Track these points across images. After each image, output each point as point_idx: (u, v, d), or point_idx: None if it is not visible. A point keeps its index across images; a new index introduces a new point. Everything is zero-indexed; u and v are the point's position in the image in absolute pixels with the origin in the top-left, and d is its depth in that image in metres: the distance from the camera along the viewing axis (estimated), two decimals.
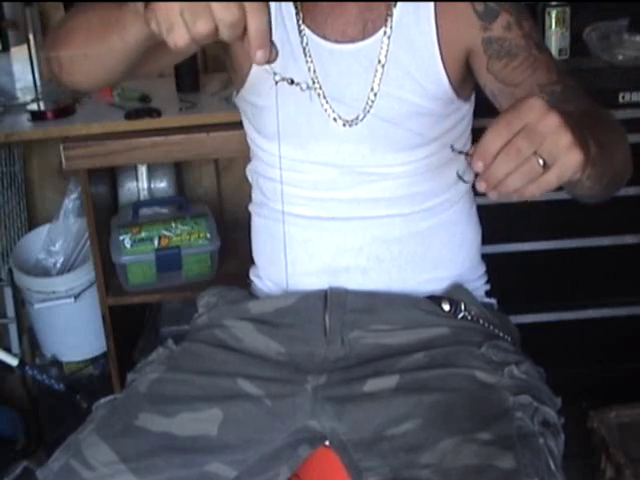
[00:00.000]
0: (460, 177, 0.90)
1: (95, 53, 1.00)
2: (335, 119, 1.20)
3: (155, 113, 1.89)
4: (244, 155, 1.90)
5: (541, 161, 0.81)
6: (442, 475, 1.02)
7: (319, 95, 1.19)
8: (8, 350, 2.17)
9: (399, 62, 1.18)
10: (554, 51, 2.04)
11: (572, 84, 1.15)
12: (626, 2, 2.09)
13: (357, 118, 1.19)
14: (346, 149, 1.21)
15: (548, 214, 2.04)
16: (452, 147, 0.93)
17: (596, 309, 2.11)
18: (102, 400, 1.20)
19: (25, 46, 1.97)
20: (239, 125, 1.80)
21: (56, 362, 2.22)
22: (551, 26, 2.03)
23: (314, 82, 1.19)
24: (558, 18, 2.03)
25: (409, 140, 1.20)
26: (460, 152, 0.88)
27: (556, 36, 2.04)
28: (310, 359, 1.20)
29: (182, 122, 1.89)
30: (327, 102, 1.19)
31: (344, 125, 1.20)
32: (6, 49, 2.05)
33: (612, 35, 2.04)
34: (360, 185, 1.23)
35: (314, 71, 1.19)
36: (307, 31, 1.19)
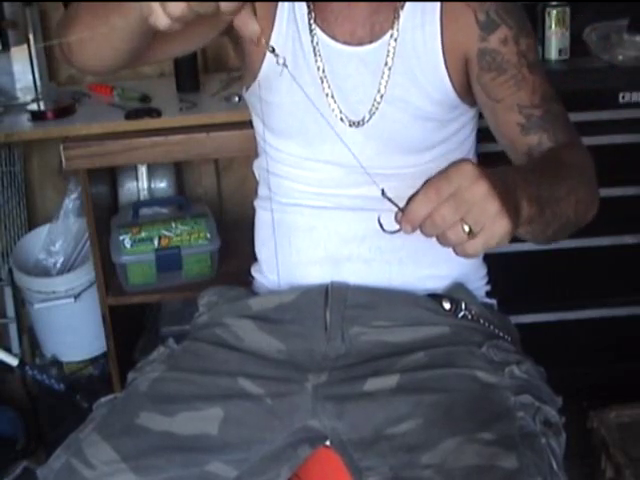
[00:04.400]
0: (381, 225, 0.90)
1: (100, 34, 1.01)
2: (342, 119, 1.21)
3: (155, 113, 1.90)
4: (244, 155, 1.90)
5: (467, 227, 0.83)
6: (445, 475, 1.02)
7: (327, 95, 1.20)
8: (8, 350, 2.16)
9: (405, 65, 1.18)
10: (554, 51, 2.04)
11: (556, 111, 1.14)
12: (626, 2, 2.09)
13: (363, 120, 1.20)
14: (353, 150, 1.21)
15: None
16: (383, 193, 0.92)
17: (596, 309, 2.11)
18: (103, 399, 1.21)
19: (25, 46, 1.97)
20: (239, 125, 1.82)
21: (56, 362, 2.21)
22: (551, 26, 2.03)
23: (322, 81, 1.20)
24: (558, 18, 2.03)
25: (414, 143, 1.21)
26: (392, 202, 0.90)
27: (556, 36, 2.04)
28: (310, 356, 1.21)
29: (182, 122, 1.89)
30: (335, 102, 1.20)
31: (350, 125, 1.21)
32: (6, 49, 2.05)
33: (612, 35, 2.04)
34: (365, 185, 1.22)
35: (323, 70, 1.20)
36: (318, 30, 1.20)
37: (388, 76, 1.19)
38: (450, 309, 1.23)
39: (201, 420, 1.13)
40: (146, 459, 1.09)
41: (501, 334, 1.25)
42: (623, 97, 1.95)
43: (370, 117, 1.19)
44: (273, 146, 1.27)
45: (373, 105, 1.19)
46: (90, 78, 2.22)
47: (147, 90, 2.03)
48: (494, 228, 0.83)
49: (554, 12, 2.02)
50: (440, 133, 1.22)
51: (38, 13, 2.01)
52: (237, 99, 1.93)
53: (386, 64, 1.18)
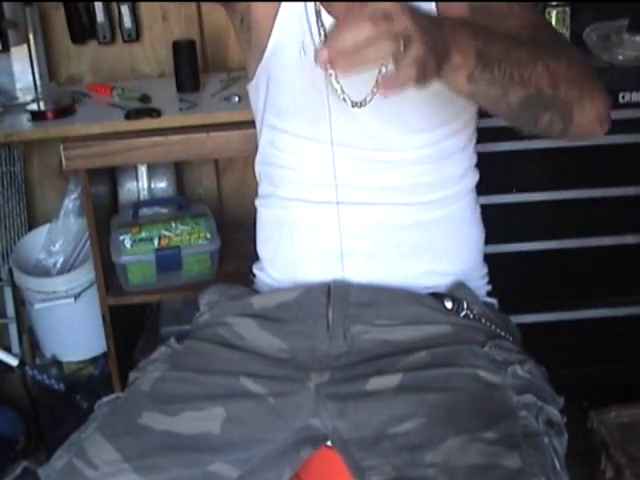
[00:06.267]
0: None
1: None
2: (344, 99, 1.22)
3: (155, 113, 1.89)
4: (244, 155, 1.91)
5: (402, 42, 0.84)
6: (448, 474, 1.03)
7: (331, 75, 1.22)
8: (8, 350, 2.16)
9: None
10: None
11: (548, 35, 1.13)
12: (626, 2, 2.09)
13: (365, 100, 1.21)
14: (354, 129, 1.23)
15: (548, 214, 2.04)
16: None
17: (596, 309, 2.11)
18: (104, 399, 1.21)
19: (25, 46, 1.97)
20: (239, 125, 1.82)
21: (56, 362, 2.21)
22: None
23: None
24: (558, 18, 2.03)
25: (414, 123, 1.23)
26: None
27: None
28: (312, 355, 1.21)
29: (182, 122, 1.89)
30: (338, 82, 1.22)
31: (353, 106, 1.22)
32: (6, 49, 2.05)
33: (612, 35, 2.04)
34: (367, 173, 1.25)
35: None
36: (323, 12, 1.23)
37: None
38: (452, 308, 1.23)
39: (203, 419, 1.13)
40: (149, 459, 1.09)
41: (503, 334, 1.26)
42: (623, 97, 1.95)
43: (372, 97, 1.21)
44: (278, 128, 1.29)
45: (375, 85, 1.21)
46: (90, 78, 2.22)
47: (147, 90, 2.03)
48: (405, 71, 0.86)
49: (554, 12, 2.02)
50: (439, 114, 1.23)
51: (38, 13, 2.01)
52: (237, 99, 1.93)
53: None
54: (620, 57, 1.99)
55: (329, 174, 1.25)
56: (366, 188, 1.25)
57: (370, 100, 1.21)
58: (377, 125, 1.23)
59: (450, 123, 1.25)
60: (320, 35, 1.23)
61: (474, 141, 1.32)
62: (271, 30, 1.24)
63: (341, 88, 1.22)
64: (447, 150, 1.26)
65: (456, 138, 1.27)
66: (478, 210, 1.35)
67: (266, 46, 1.26)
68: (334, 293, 1.23)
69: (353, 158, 1.24)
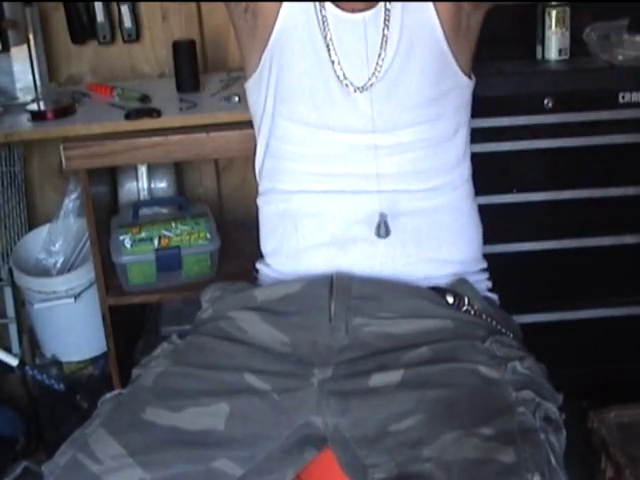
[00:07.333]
0: None
1: None
2: (347, 85, 1.27)
3: (155, 113, 1.89)
4: (244, 155, 1.90)
5: None
6: (443, 468, 1.03)
7: (333, 62, 1.27)
8: (8, 350, 2.16)
9: (399, 22, 1.26)
10: (554, 51, 2.05)
11: None
12: (626, 2, 2.09)
13: (366, 84, 1.27)
14: (356, 113, 1.27)
15: (548, 214, 2.04)
16: None
17: (596, 309, 2.11)
18: (107, 395, 1.21)
19: (25, 46, 1.97)
20: (239, 125, 1.82)
21: (56, 362, 2.21)
22: (551, 26, 2.03)
23: (329, 48, 1.27)
24: (558, 18, 2.03)
25: (408, 99, 1.28)
26: None
27: (556, 36, 2.04)
28: (314, 348, 1.21)
29: (182, 122, 1.89)
30: (341, 68, 1.27)
31: (355, 91, 1.27)
32: (6, 49, 2.05)
33: (612, 35, 2.04)
34: (368, 161, 1.28)
35: (330, 38, 1.27)
36: (326, 2, 1.28)
37: (387, 37, 1.26)
38: (453, 303, 1.25)
39: (208, 415, 1.14)
40: (153, 454, 1.09)
41: (503, 330, 1.27)
42: (623, 97, 1.95)
43: (373, 81, 1.26)
44: (282, 115, 1.31)
45: (375, 69, 1.26)
46: (90, 78, 2.22)
47: (147, 90, 2.03)
48: None
49: (554, 12, 2.02)
50: (433, 88, 1.28)
51: (38, 13, 2.01)
52: (237, 99, 1.93)
53: (384, 26, 1.26)
54: (620, 57, 1.99)
55: (331, 163, 1.28)
56: (368, 176, 1.27)
57: (371, 84, 1.25)
58: (377, 105, 1.27)
59: (443, 100, 1.29)
60: (323, 24, 1.27)
61: (465, 133, 1.35)
62: (277, 15, 1.28)
63: (343, 74, 1.26)
64: (441, 135, 1.30)
65: (448, 121, 1.31)
66: (475, 206, 1.38)
67: (272, 31, 1.29)
68: (336, 285, 1.24)
69: (355, 144, 1.28)
